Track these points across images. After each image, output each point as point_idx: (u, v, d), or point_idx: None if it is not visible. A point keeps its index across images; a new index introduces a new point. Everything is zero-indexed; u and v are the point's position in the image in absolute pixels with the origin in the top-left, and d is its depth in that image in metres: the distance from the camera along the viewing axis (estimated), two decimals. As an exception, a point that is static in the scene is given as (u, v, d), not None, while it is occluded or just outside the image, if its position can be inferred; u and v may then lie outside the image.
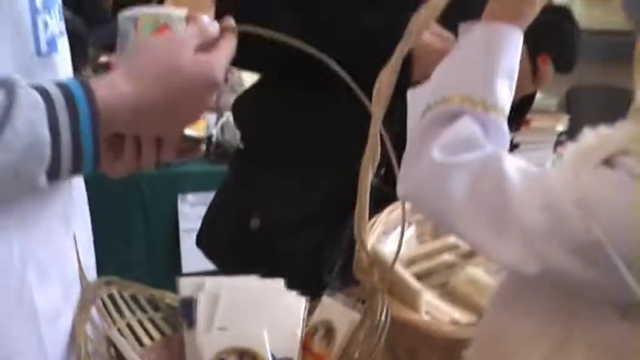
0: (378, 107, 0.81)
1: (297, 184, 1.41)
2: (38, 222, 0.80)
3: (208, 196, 1.60)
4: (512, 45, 0.76)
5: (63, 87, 0.73)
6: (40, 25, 0.78)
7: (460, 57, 0.78)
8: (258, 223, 1.44)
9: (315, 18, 1.32)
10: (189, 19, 0.85)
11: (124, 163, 0.83)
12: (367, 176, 0.86)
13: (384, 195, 1.12)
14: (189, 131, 0.86)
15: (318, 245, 1.42)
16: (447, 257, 1.16)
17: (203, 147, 0.91)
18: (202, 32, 0.82)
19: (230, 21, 0.87)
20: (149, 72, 0.78)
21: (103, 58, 2.93)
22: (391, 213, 1.18)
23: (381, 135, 0.84)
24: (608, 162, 0.68)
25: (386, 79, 0.81)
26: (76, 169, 0.74)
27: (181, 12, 0.88)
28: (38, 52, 0.78)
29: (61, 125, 0.71)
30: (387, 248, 1.09)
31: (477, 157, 0.72)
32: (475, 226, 0.70)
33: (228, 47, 0.84)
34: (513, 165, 0.71)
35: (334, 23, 1.32)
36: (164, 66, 0.79)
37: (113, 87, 0.76)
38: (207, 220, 1.57)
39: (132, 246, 2.50)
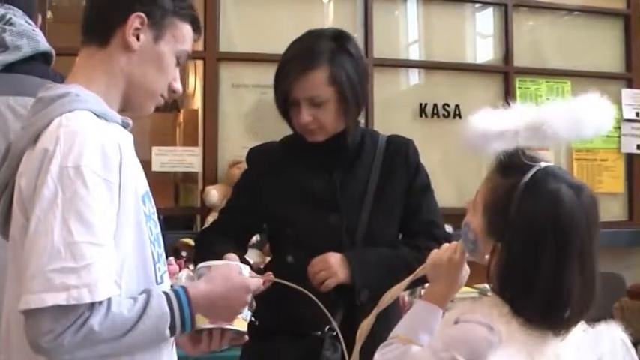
0: (358, 344, 1.62)
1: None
2: None
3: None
4: (435, 317, 1.55)
5: (173, 289, 1.49)
6: (157, 269, 1.52)
7: (408, 316, 1.58)
8: None
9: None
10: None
11: (202, 347, 1.65)
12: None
13: None
14: (236, 327, 1.61)
15: None
16: None
17: (246, 337, 1.66)
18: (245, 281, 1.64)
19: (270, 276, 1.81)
20: (216, 280, 1.56)
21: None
22: None
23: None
24: (456, 321, 1.43)
25: (366, 326, 1.63)
26: (182, 329, 1.47)
27: (236, 263, 1.70)
28: (157, 282, 1.51)
29: (174, 306, 1.45)
30: None
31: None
32: None
33: (257, 281, 1.67)
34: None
35: None
36: (222, 277, 1.58)
37: (197, 287, 1.52)
38: None
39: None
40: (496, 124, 1.48)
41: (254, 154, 2.28)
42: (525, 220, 1.41)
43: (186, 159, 4.45)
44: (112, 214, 1.40)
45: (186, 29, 1.61)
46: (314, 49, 2.09)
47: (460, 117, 4.72)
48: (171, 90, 1.62)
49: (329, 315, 1.74)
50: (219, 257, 1.87)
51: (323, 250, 2.06)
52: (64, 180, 1.36)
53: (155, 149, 4.41)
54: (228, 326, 1.60)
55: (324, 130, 2.11)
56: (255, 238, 3.95)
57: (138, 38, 1.54)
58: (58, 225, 1.34)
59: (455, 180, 4.44)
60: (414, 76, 4.89)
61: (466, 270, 1.58)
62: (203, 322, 1.56)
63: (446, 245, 1.58)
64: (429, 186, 2.24)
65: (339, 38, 2.13)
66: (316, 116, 2.09)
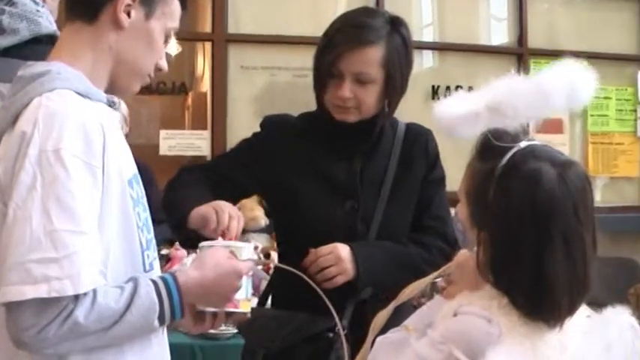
0: (371, 336, 1.53)
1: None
2: None
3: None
4: None
5: (162, 277, 1.42)
6: (146, 257, 1.46)
7: (422, 310, 1.54)
8: None
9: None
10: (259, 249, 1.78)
11: (204, 326, 1.54)
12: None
13: None
14: (241, 310, 1.56)
15: None
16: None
17: (249, 315, 1.59)
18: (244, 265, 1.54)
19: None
20: (205, 266, 1.47)
21: (164, 251, 3.67)
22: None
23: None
24: (455, 314, 1.36)
25: (381, 318, 1.56)
26: (172, 319, 1.40)
27: (244, 244, 1.61)
28: (145, 270, 1.45)
29: (163, 294, 1.38)
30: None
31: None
32: None
33: (248, 264, 1.55)
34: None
35: None
36: (212, 262, 1.48)
37: (186, 273, 1.45)
38: None
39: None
40: (459, 107, 1.41)
41: (271, 121, 2.14)
42: (503, 206, 1.33)
43: (194, 142, 4.44)
44: (96, 199, 1.33)
45: (175, 5, 1.53)
46: (373, 26, 1.97)
47: None
48: (157, 68, 1.54)
49: (332, 309, 1.66)
50: (188, 206, 1.81)
51: (333, 238, 1.97)
52: (43, 164, 1.28)
53: (163, 132, 4.40)
54: (233, 310, 1.54)
55: (359, 111, 1.99)
56: (265, 222, 3.90)
57: (129, 15, 1.46)
58: (38, 212, 1.26)
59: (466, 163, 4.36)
60: (427, 58, 4.86)
61: None
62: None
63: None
64: (443, 180, 2.14)
65: (395, 21, 2.02)
66: (358, 94, 1.96)
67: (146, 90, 6.23)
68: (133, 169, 1.47)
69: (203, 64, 5.37)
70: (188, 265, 1.56)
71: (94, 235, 1.32)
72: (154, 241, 1.51)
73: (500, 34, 5.01)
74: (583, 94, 1.42)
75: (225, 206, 1.78)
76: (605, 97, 5.02)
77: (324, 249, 1.91)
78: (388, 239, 2.01)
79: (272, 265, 2.53)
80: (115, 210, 1.38)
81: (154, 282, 1.38)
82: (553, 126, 4.62)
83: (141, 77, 1.52)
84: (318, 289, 1.68)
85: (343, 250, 1.92)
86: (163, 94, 5.55)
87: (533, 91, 1.39)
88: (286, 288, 1.98)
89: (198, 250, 1.59)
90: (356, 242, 1.96)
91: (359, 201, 2.00)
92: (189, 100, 5.74)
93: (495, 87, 1.40)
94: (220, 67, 4.42)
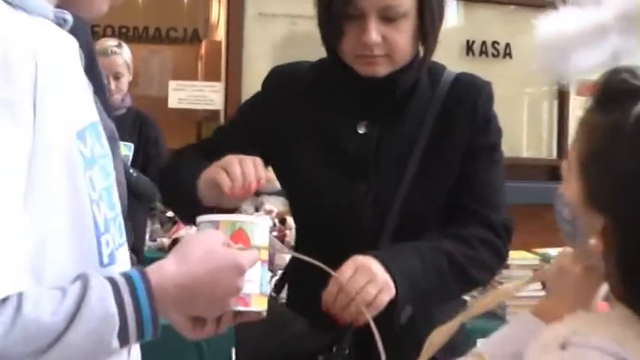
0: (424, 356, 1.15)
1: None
2: None
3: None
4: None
5: (125, 274, 0.99)
6: (103, 243, 1.03)
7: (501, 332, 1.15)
8: None
9: None
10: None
11: (206, 330, 1.11)
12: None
13: None
14: (254, 308, 1.16)
15: None
16: None
17: (264, 314, 1.18)
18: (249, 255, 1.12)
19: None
20: (191, 256, 1.04)
21: (170, 213, 3.58)
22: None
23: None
24: (563, 345, 0.94)
25: (438, 339, 1.14)
26: (139, 335, 0.98)
27: (256, 219, 1.18)
28: (101, 264, 1.02)
29: (126, 302, 0.96)
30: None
31: None
32: None
33: (252, 254, 1.12)
34: None
35: None
36: (200, 252, 1.05)
37: (163, 269, 1.02)
38: None
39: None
40: (575, 21, 1.06)
41: (275, 76, 1.73)
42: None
43: (207, 95, 4.28)
44: (17, 151, 0.93)
45: None
46: None
47: (511, 57, 4.52)
48: None
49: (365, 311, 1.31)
50: (191, 182, 1.44)
51: (337, 232, 1.57)
52: None
53: (172, 83, 4.21)
54: (242, 309, 1.15)
55: (391, 60, 1.54)
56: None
57: None
58: None
59: (508, 128, 4.03)
60: (461, 11, 4.64)
61: (603, 287, 1.09)
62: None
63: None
64: (495, 149, 1.65)
65: None
66: (387, 36, 1.52)
67: (156, 38, 6.04)
68: (92, 115, 1.07)
69: (218, 10, 5.24)
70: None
71: (15, 211, 0.92)
72: (120, 222, 1.10)
73: (541, -14, 4.69)
74: None
75: (232, 158, 1.41)
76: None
77: (345, 270, 1.42)
78: (410, 235, 1.54)
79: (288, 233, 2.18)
80: (53, 174, 0.97)
81: (113, 283, 0.98)
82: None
83: None
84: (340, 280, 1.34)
85: (373, 263, 1.44)
86: (174, 43, 5.36)
87: None
88: (299, 279, 1.64)
89: (196, 228, 1.21)
90: (376, 250, 1.49)
91: (371, 183, 1.57)
92: (202, 50, 5.58)
93: None
94: (236, 14, 4.26)
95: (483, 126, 1.62)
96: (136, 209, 3.41)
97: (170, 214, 3.64)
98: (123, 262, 1.08)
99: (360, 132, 1.59)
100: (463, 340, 1.35)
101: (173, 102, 4.16)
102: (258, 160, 1.41)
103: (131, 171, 3.36)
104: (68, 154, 0.98)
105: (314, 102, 1.62)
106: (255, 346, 1.55)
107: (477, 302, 1.13)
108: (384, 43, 1.52)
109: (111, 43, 3.62)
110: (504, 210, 1.61)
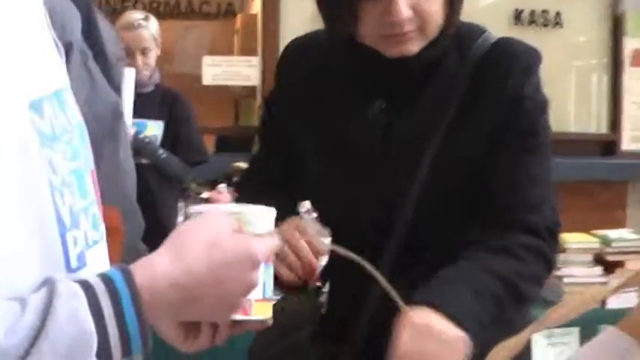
0: None
1: None
2: None
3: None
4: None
5: (102, 275, 0.80)
6: (70, 241, 0.83)
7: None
8: None
9: None
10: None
11: (200, 341, 0.93)
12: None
13: None
14: (256, 317, 0.97)
15: None
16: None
17: (269, 322, 1.00)
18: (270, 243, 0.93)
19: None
20: (192, 248, 0.85)
21: (205, 194, 3.48)
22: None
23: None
24: None
25: (503, 356, 0.97)
26: (125, 352, 0.79)
27: (255, 208, 1.00)
28: (68, 268, 0.83)
29: (105, 312, 0.78)
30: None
31: None
32: None
33: (270, 243, 0.93)
34: None
35: None
36: (204, 241, 0.86)
37: (153, 266, 0.83)
38: None
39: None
40: None
41: (290, 54, 1.52)
42: None
43: (242, 71, 4.22)
44: None
45: None
46: None
47: (561, 26, 4.36)
48: None
49: (397, 299, 1.15)
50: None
51: (340, 231, 1.43)
52: None
53: (207, 59, 4.15)
54: (242, 317, 0.96)
55: (425, 32, 1.33)
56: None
57: None
58: None
59: (555, 101, 3.88)
60: None
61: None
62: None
63: None
64: (532, 134, 1.38)
65: None
66: (418, 6, 1.31)
67: (188, 13, 5.94)
68: (56, 84, 0.89)
69: (254, -17, 5.22)
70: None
71: None
72: (94, 213, 0.91)
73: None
74: None
75: (283, 245, 1.23)
76: None
77: (402, 337, 1.17)
78: (426, 238, 1.33)
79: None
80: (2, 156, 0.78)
81: (87, 287, 0.79)
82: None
83: None
84: (380, 278, 1.16)
85: (426, 317, 1.19)
86: (208, 18, 5.28)
87: None
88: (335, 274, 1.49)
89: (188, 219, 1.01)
90: (422, 291, 1.24)
91: (377, 176, 1.37)
92: (238, 23, 5.49)
93: None
94: (272, -15, 4.22)
95: (514, 103, 1.36)
96: (164, 190, 3.31)
97: (205, 195, 3.55)
98: (98, 264, 0.88)
99: (370, 114, 1.38)
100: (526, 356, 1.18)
101: (208, 79, 4.09)
102: (312, 233, 1.32)
103: (160, 151, 3.25)
104: (15, 128, 0.79)
105: (325, 80, 1.44)
106: (259, 347, 1.45)
107: (551, 311, 0.95)
108: (415, 15, 1.31)
109: (137, 15, 3.42)
110: (547, 209, 1.35)
